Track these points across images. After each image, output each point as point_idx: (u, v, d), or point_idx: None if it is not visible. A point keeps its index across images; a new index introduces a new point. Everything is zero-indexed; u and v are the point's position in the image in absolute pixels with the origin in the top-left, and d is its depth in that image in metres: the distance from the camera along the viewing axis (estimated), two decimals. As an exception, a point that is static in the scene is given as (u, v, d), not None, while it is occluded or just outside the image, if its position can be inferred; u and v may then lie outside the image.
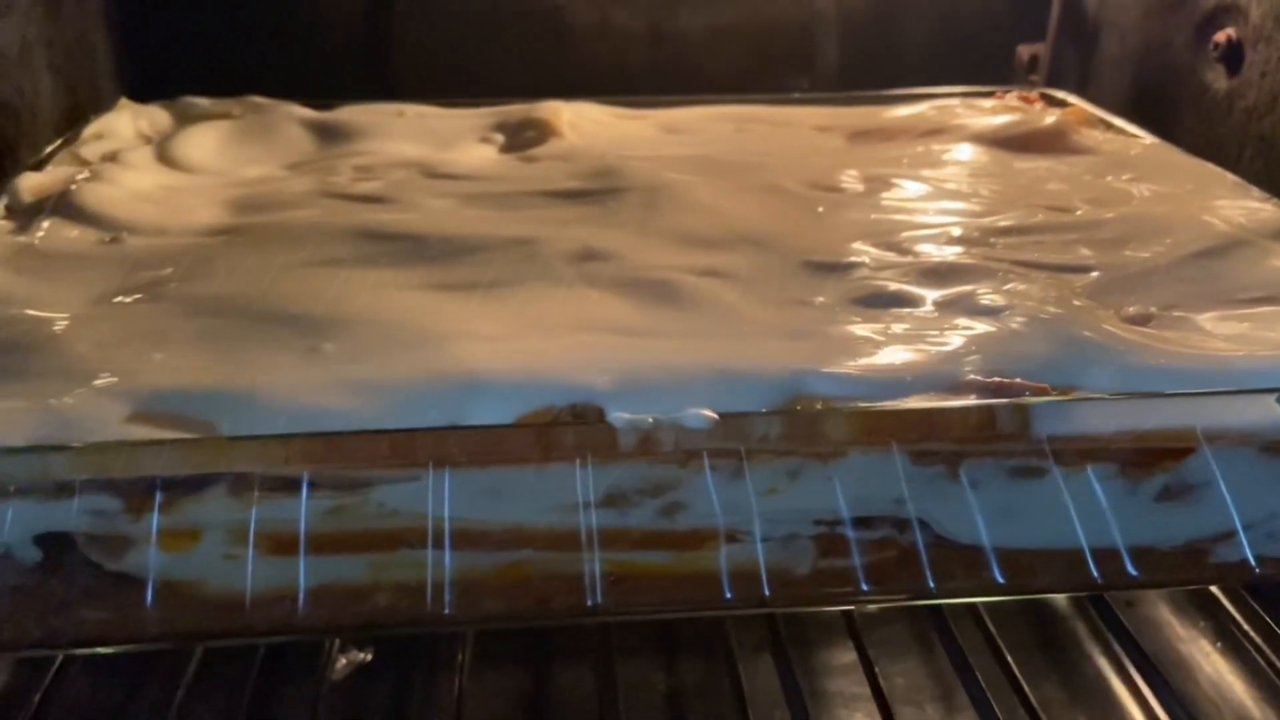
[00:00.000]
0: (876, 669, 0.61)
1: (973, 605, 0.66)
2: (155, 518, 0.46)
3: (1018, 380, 0.49)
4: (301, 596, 0.48)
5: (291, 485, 0.46)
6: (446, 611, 0.49)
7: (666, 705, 0.65)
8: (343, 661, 0.67)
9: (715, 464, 0.47)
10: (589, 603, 0.50)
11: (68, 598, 0.48)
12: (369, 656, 0.68)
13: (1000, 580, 0.52)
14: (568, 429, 0.46)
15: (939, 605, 0.62)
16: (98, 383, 0.48)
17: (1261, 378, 0.49)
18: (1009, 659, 0.62)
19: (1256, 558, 0.53)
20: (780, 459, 0.48)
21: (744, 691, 0.60)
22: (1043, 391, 0.48)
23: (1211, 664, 0.70)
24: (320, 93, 0.99)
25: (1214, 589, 0.71)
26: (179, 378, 0.48)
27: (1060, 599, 0.72)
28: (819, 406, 0.48)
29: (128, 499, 0.45)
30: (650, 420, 0.45)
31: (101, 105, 1.07)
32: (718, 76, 1.13)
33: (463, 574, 0.50)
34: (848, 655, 0.65)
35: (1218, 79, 0.98)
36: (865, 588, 0.52)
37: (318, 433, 0.44)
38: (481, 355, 0.50)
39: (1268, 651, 0.65)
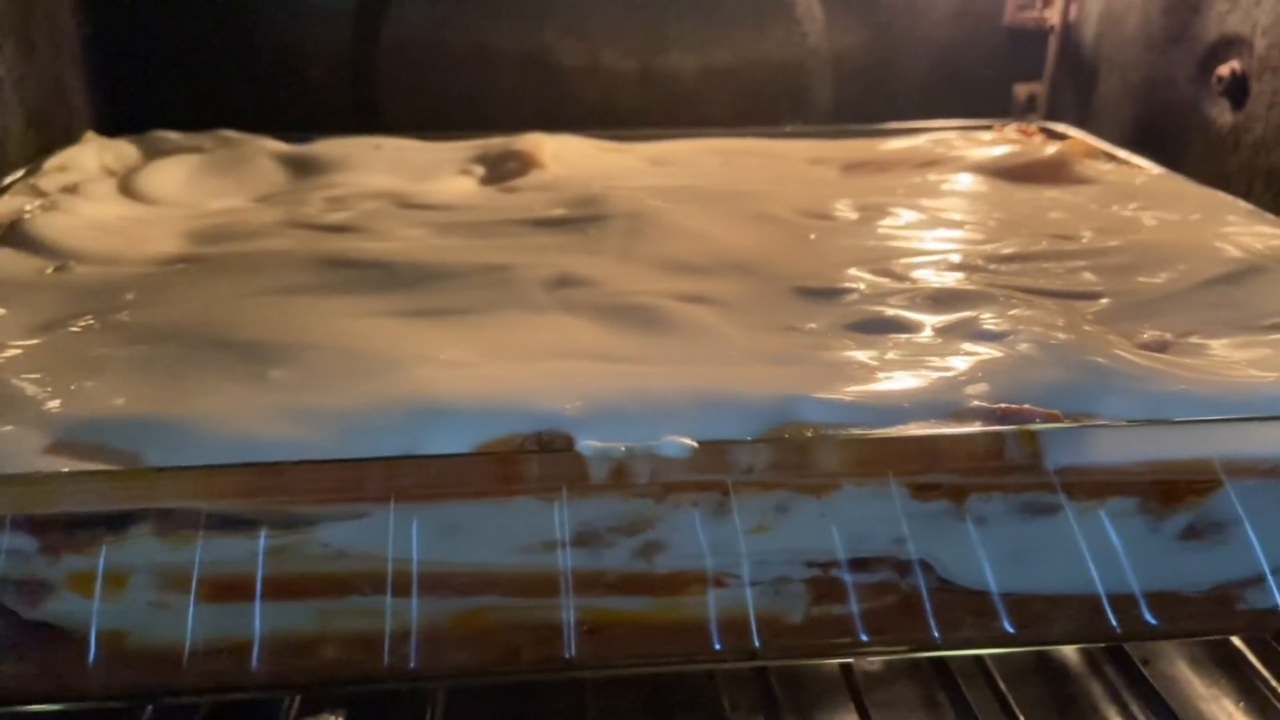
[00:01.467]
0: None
1: (982, 661, 0.61)
2: (100, 558, 0.41)
3: (1027, 407, 0.45)
4: (256, 649, 0.44)
5: (227, 523, 0.42)
6: (410, 665, 0.45)
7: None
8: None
9: (697, 498, 0.43)
10: (563, 655, 0.46)
11: (-16, 650, 0.44)
12: (340, 719, 0.63)
13: (1011, 630, 0.48)
14: (532, 458, 0.41)
15: (944, 659, 0.57)
16: (22, 413, 0.44)
17: (1291, 404, 0.45)
18: (1022, 720, 0.57)
19: (1290, 604, 0.49)
20: (768, 493, 0.43)
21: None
22: (1054, 419, 0.44)
23: (1234, 723, 0.65)
24: (306, 130, 0.96)
25: (1238, 642, 0.66)
26: (106, 405, 0.44)
27: (1074, 654, 0.67)
28: (809, 434, 0.43)
29: (43, 538, 0.41)
30: (623, 449, 0.41)
31: (74, 140, 1.04)
32: (710, 116, 1.11)
33: (421, 623, 0.45)
34: (848, 716, 0.60)
35: (1222, 113, 0.95)
36: (864, 637, 0.48)
37: (254, 463, 0.40)
38: (442, 381, 0.46)
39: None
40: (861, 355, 0.50)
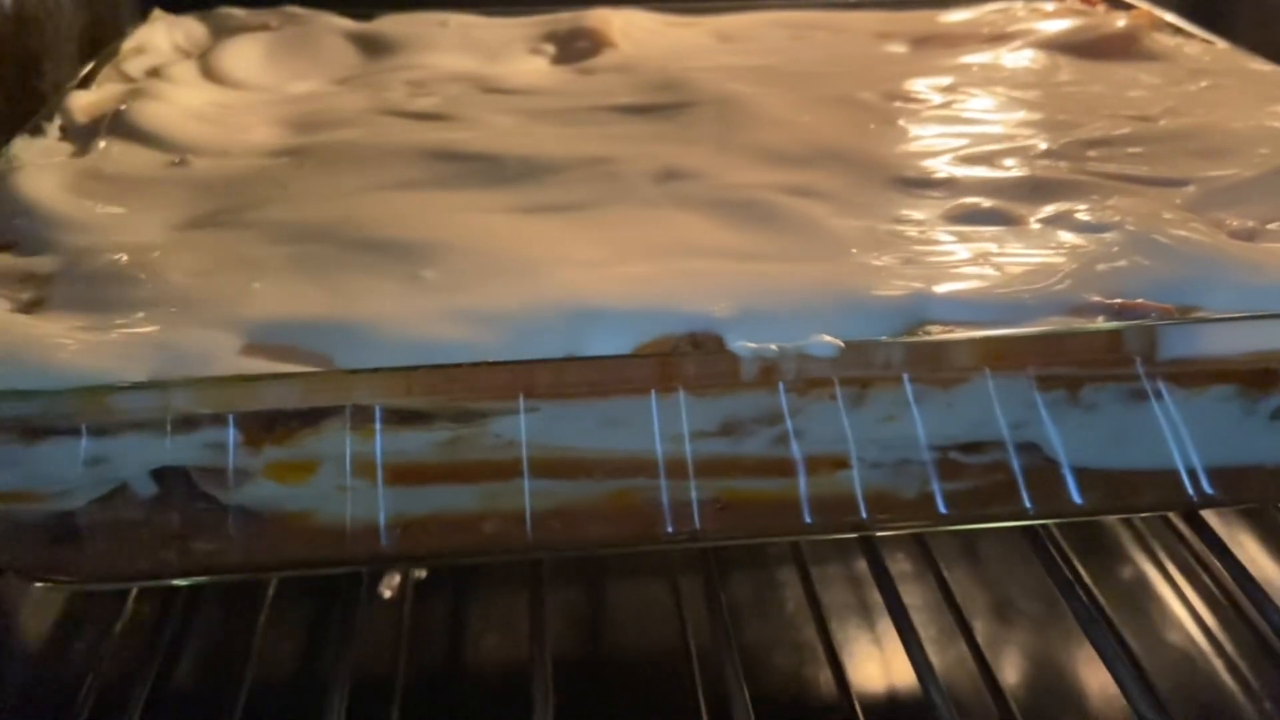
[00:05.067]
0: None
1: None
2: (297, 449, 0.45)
3: (1141, 301, 0.48)
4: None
5: (409, 418, 0.45)
6: (557, 538, 0.50)
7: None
8: (396, 579, 0.68)
9: (836, 392, 0.46)
10: (693, 528, 0.50)
11: (179, 532, 0.48)
12: (423, 574, 0.69)
13: (1103, 501, 0.53)
14: (689, 359, 0.45)
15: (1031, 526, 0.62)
16: (207, 314, 0.47)
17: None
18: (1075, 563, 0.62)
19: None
20: (901, 386, 0.47)
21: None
22: (1168, 313, 0.47)
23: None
24: (359, 3, 0.96)
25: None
26: (286, 308, 0.47)
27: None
28: (941, 332, 0.47)
29: (246, 432, 0.44)
30: (775, 349, 0.44)
31: (120, 17, 1.04)
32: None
33: (573, 501, 0.50)
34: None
35: (1277, -19, 0.95)
36: (970, 510, 0.52)
37: (438, 365, 0.44)
38: (590, 282, 0.49)
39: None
40: (974, 250, 0.53)
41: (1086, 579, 0.62)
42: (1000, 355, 0.46)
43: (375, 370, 0.43)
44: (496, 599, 0.69)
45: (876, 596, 0.57)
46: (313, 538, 0.50)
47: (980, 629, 0.65)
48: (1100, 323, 0.47)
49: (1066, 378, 0.48)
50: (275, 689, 0.61)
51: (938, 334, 0.46)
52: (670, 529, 0.51)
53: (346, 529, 0.48)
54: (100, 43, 0.95)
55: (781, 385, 0.46)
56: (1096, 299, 0.48)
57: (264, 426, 0.44)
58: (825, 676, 0.63)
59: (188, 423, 0.44)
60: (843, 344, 0.44)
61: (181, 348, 0.44)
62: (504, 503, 0.49)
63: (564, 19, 0.93)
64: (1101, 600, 0.61)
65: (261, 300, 0.48)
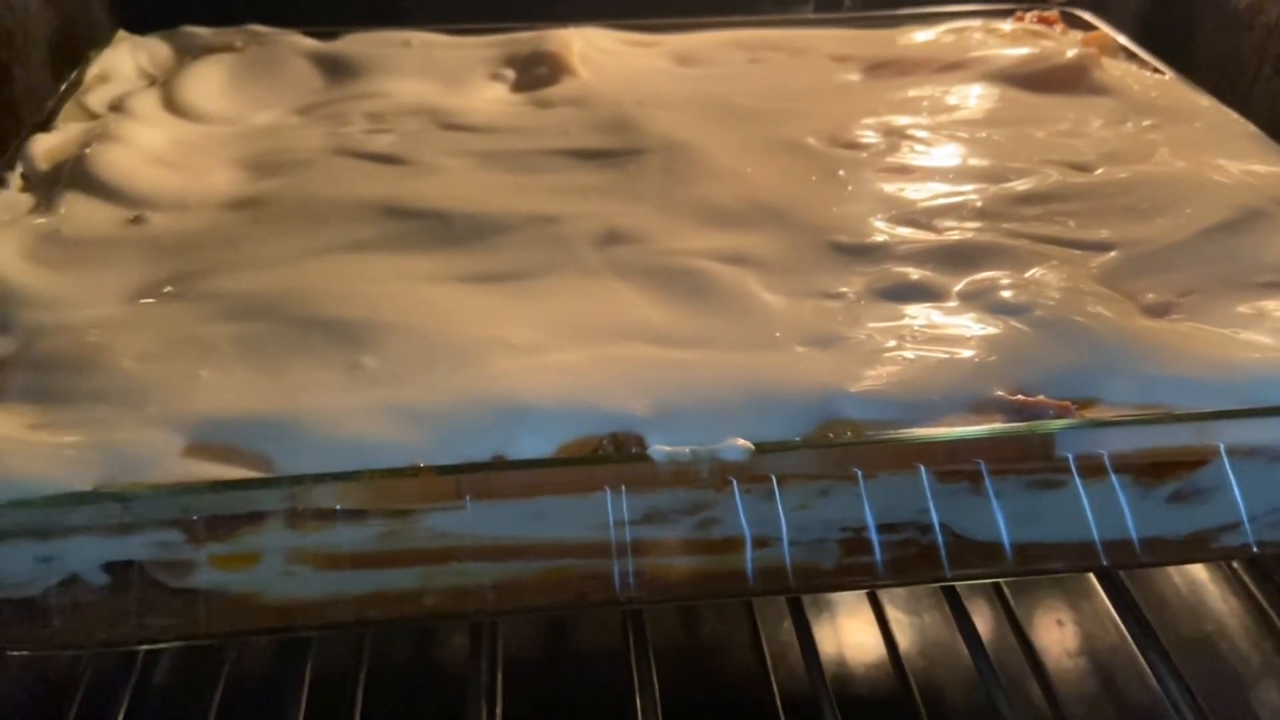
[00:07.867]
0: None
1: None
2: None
3: (1041, 399, 0.50)
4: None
5: (345, 514, 0.48)
6: (495, 608, 0.53)
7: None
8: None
9: (750, 487, 0.49)
10: (624, 596, 0.53)
11: (135, 610, 0.51)
12: None
13: (1013, 564, 0.56)
14: (609, 465, 0.47)
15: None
16: (152, 411, 0.49)
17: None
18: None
19: (1257, 542, 0.56)
20: (812, 481, 0.50)
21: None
22: (1065, 410, 0.50)
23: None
24: (324, 17, 0.97)
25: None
26: (229, 403, 0.50)
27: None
28: (849, 434, 0.49)
29: (190, 532, 0.47)
30: (689, 452, 0.47)
31: (92, 22, 1.05)
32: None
33: (507, 579, 0.53)
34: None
35: (1240, -9, 0.96)
36: (885, 576, 0.55)
37: (371, 471, 0.46)
38: (521, 376, 0.51)
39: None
40: (892, 335, 0.55)
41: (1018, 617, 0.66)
42: (900, 456, 0.48)
43: (310, 478, 0.46)
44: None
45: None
46: (262, 612, 0.53)
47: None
48: (999, 422, 0.49)
49: (970, 471, 0.50)
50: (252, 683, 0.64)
51: (847, 432, 0.49)
52: (602, 598, 0.54)
53: (294, 605, 0.51)
54: (71, 48, 0.96)
55: (698, 481, 0.49)
56: (999, 394, 0.50)
57: (206, 526, 0.47)
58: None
59: (130, 526, 0.46)
60: (752, 447, 0.47)
61: (126, 452, 0.47)
62: (442, 580, 0.52)
63: (526, 40, 0.93)
64: (1032, 640, 0.64)
65: (207, 392, 0.50)
